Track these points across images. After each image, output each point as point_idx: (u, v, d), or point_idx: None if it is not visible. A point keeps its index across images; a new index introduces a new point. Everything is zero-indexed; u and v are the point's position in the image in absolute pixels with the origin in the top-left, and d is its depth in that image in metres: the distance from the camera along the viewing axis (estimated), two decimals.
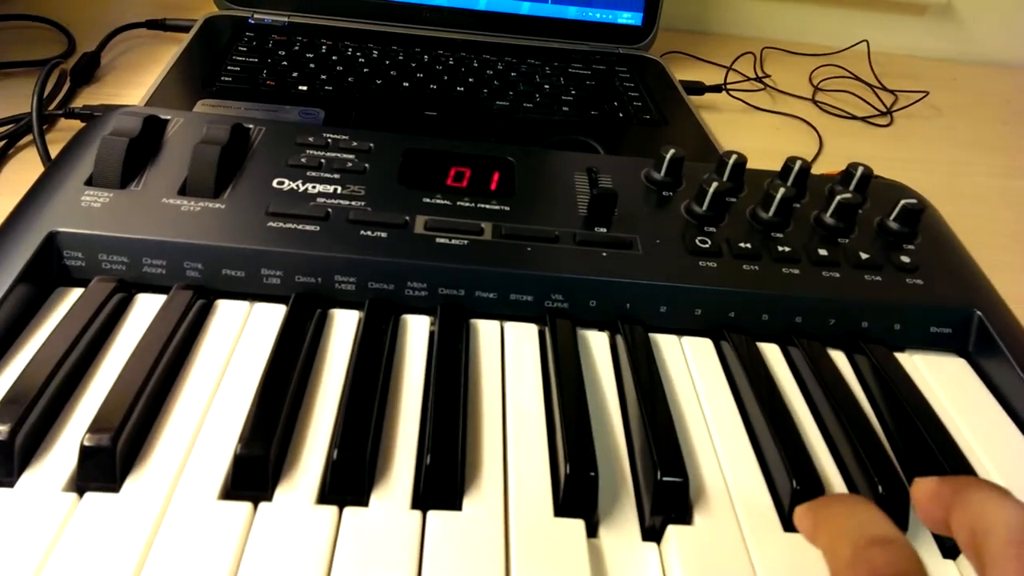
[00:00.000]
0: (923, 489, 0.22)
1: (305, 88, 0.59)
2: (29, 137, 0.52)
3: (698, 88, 0.71)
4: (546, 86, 0.65)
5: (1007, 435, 0.32)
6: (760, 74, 0.79)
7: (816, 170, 0.65)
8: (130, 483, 0.25)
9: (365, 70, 0.63)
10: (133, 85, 0.62)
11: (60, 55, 0.63)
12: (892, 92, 0.80)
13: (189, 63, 0.61)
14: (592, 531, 0.26)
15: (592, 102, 0.63)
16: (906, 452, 0.30)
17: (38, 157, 0.49)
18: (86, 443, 0.25)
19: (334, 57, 0.64)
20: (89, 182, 0.35)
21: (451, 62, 0.66)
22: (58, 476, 0.25)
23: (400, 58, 0.65)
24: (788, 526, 0.27)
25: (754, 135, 0.69)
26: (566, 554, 0.24)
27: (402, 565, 0.24)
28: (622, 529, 0.26)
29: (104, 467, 0.25)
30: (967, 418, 0.32)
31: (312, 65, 0.62)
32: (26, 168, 0.50)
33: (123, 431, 0.25)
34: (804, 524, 0.23)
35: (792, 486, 0.27)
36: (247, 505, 0.25)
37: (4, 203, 0.42)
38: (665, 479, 0.26)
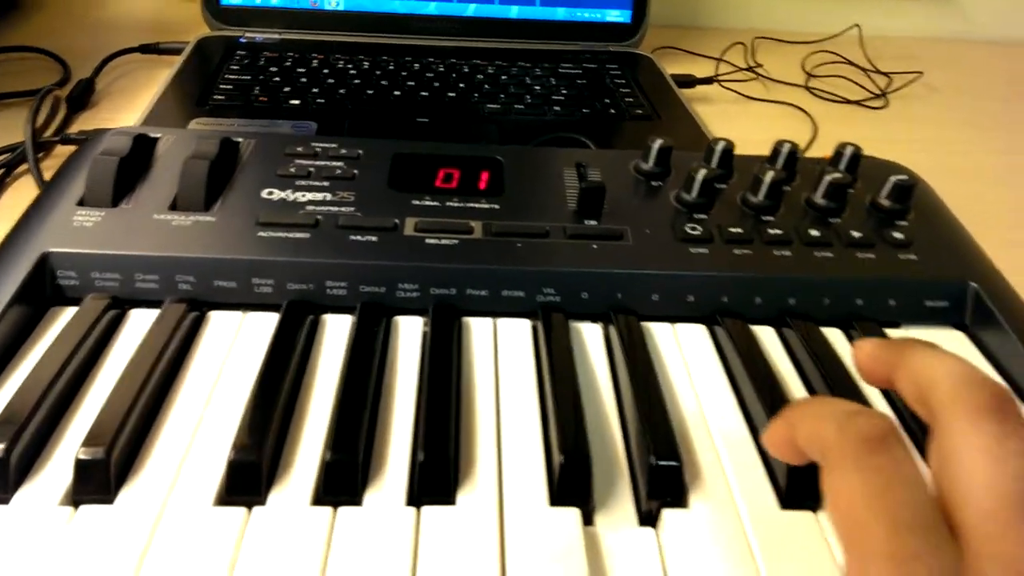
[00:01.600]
0: (864, 351, 0.24)
1: (298, 102, 0.60)
2: (26, 165, 0.53)
3: (689, 81, 0.71)
4: (537, 87, 0.65)
5: None
6: (752, 64, 0.79)
7: (811, 156, 0.65)
8: (124, 493, 0.25)
9: (356, 81, 0.63)
10: (128, 109, 0.63)
11: (55, 83, 0.64)
12: (886, 74, 0.80)
13: (182, 84, 0.61)
14: (588, 519, 0.26)
15: (583, 100, 0.63)
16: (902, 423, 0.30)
17: (34, 184, 0.50)
18: (80, 456, 0.25)
19: (325, 70, 0.65)
20: (81, 202, 0.35)
21: (441, 69, 0.67)
22: (54, 491, 0.25)
23: (391, 68, 0.66)
24: (786, 505, 0.26)
25: (748, 125, 0.69)
26: (561, 543, 0.24)
27: (398, 561, 0.23)
28: (618, 516, 0.26)
29: (98, 479, 0.25)
30: None
31: (304, 79, 0.63)
32: (23, 195, 0.50)
33: (117, 443, 0.26)
34: (778, 433, 0.23)
35: (787, 465, 0.26)
36: (242, 510, 0.25)
37: (4, 229, 0.43)
38: (659, 463, 0.26)
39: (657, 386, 0.30)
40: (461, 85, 0.64)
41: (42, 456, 0.26)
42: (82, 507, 0.25)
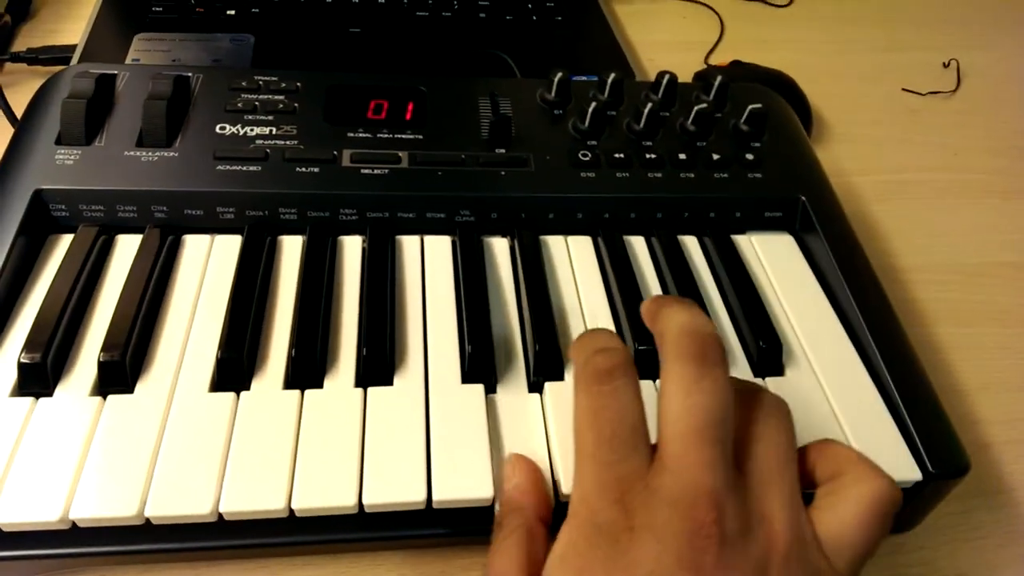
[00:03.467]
0: (643, 306, 0.31)
1: (233, 13, 0.63)
2: None
3: None
4: None
5: (812, 293, 0.41)
6: None
7: (716, 58, 0.71)
8: (140, 386, 0.34)
9: None
10: (69, 18, 0.65)
11: None
12: None
13: None
14: (492, 389, 0.35)
15: (506, 6, 0.68)
16: (736, 313, 0.40)
17: None
18: (101, 359, 0.33)
19: None
20: (59, 141, 0.41)
21: None
22: (84, 386, 0.33)
23: None
24: None
25: (661, 27, 0.75)
26: (470, 407, 0.34)
27: (351, 427, 0.33)
28: (514, 387, 0.35)
29: (117, 376, 0.33)
30: (783, 282, 0.42)
31: None
32: None
33: (128, 347, 0.34)
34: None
35: (635, 347, 0.36)
36: (231, 395, 0.33)
37: None
38: (542, 348, 0.35)
39: (546, 290, 0.38)
40: None
41: (68, 360, 0.34)
42: (110, 397, 0.33)
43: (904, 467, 0.34)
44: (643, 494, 0.24)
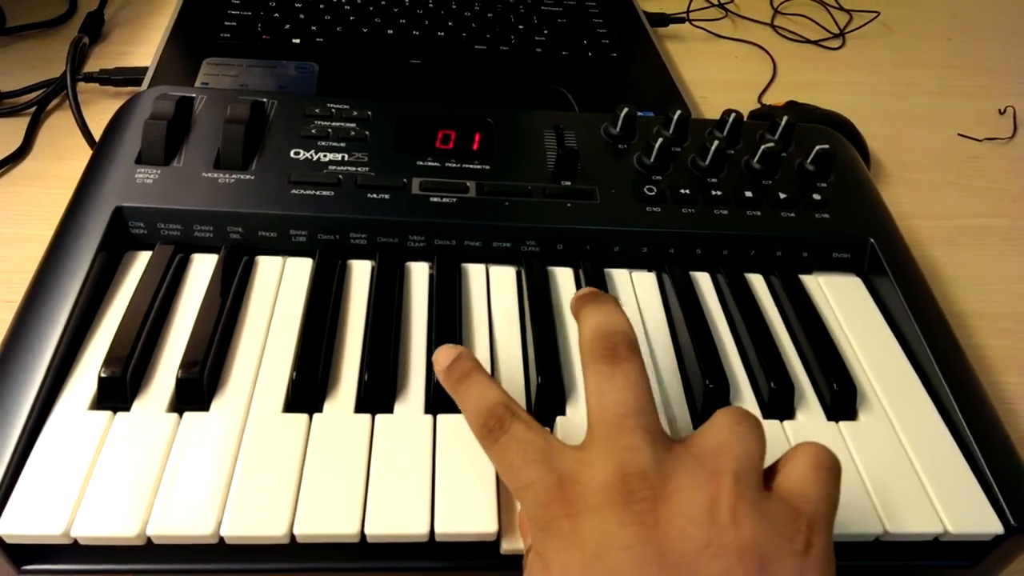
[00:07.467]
0: (571, 303, 0.33)
1: (298, 41, 0.64)
2: (54, 102, 0.58)
3: (662, 19, 0.76)
4: (520, 26, 0.70)
5: (883, 337, 0.41)
6: (723, 0, 0.84)
7: (769, 97, 0.72)
8: (216, 404, 0.34)
9: (352, 18, 0.68)
10: (139, 41, 0.67)
11: (64, 14, 0.68)
12: (848, 12, 0.85)
13: (188, 18, 0.66)
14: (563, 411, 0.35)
15: (563, 42, 0.69)
16: (807, 355, 0.39)
17: (65, 122, 0.56)
18: (180, 376, 0.33)
19: (321, 5, 0.69)
20: (138, 160, 0.42)
21: (431, 4, 0.71)
22: (161, 402, 0.34)
23: (383, 2, 0.70)
24: (701, 416, 0.36)
25: (714, 65, 0.75)
26: None
27: (422, 457, 0.33)
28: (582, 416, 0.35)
29: (195, 393, 0.34)
30: (853, 324, 0.41)
31: (302, 16, 0.67)
32: (58, 133, 0.56)
33: (206, 365, 0.34)
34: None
35: (705, 384, 0.36)
36: (304, 416, 0.34)
37: (49, 167, 0.51)
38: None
39: None
40: (450, 24, 0.69)
41: (146, 376, 0.35)
42: (186, 414, 0.33)
43: (984, 519, 0.33)
44: (575, 487, 0.26)
